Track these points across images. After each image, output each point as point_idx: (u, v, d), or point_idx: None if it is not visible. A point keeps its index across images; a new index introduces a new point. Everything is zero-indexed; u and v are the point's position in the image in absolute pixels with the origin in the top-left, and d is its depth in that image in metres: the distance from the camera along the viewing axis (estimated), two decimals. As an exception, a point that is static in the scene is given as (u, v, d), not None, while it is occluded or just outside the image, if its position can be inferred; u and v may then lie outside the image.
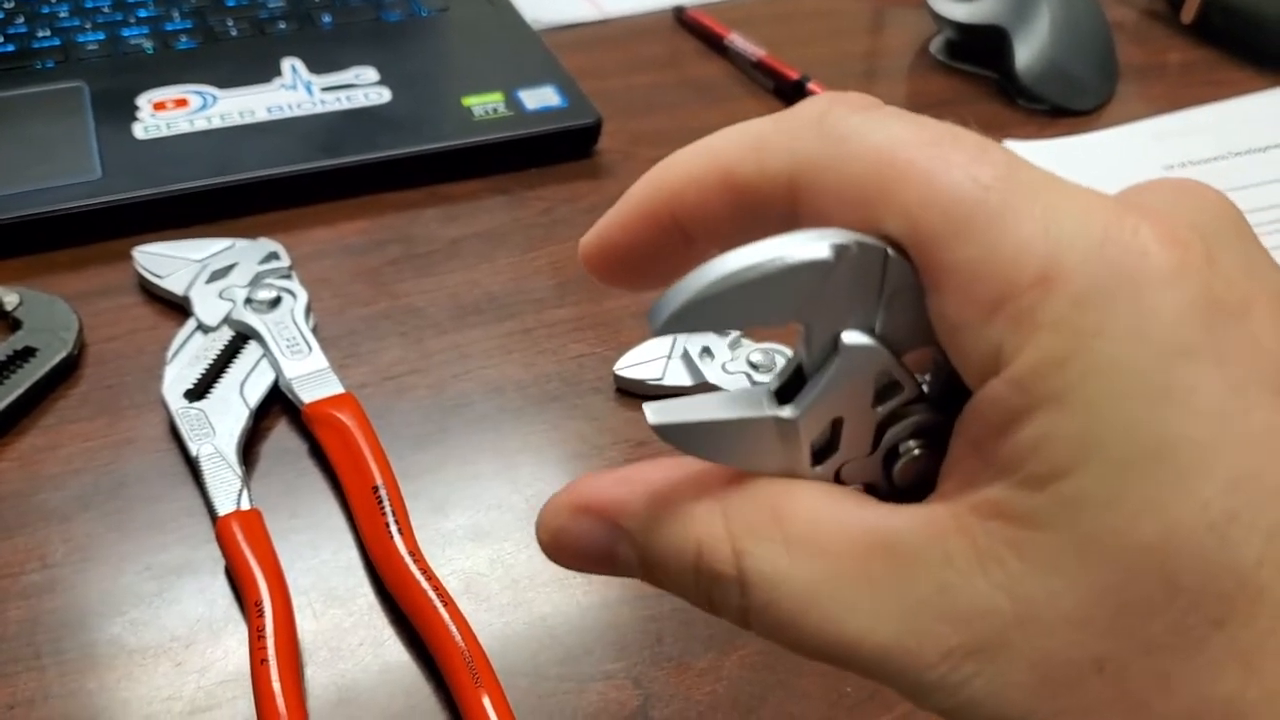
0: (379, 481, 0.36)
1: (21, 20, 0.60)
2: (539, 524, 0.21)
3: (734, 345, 0.42)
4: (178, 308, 0.44)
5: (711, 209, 0.20)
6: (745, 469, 0.20)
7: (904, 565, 0.18)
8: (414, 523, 0.35)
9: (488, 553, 0.36)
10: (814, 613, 0.18)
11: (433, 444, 0.40)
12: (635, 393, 0.42)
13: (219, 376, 0.40)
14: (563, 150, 0.54)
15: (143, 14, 0.61)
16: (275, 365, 0.41)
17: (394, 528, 0.35)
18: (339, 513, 0.37)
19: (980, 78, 0.62)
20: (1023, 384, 0.17)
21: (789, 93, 0.60)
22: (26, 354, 0.41)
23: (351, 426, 0.38)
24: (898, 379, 0.19)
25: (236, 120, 0.53)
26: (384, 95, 0.55)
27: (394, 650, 0.33)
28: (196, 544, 0.36)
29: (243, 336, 0.42)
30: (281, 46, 0.59)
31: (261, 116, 0.53)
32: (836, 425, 0.19)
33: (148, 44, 0.59)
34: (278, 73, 0.57)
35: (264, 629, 0.32)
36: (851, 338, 0.19)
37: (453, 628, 0.32)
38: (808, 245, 0.18)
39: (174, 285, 0.44)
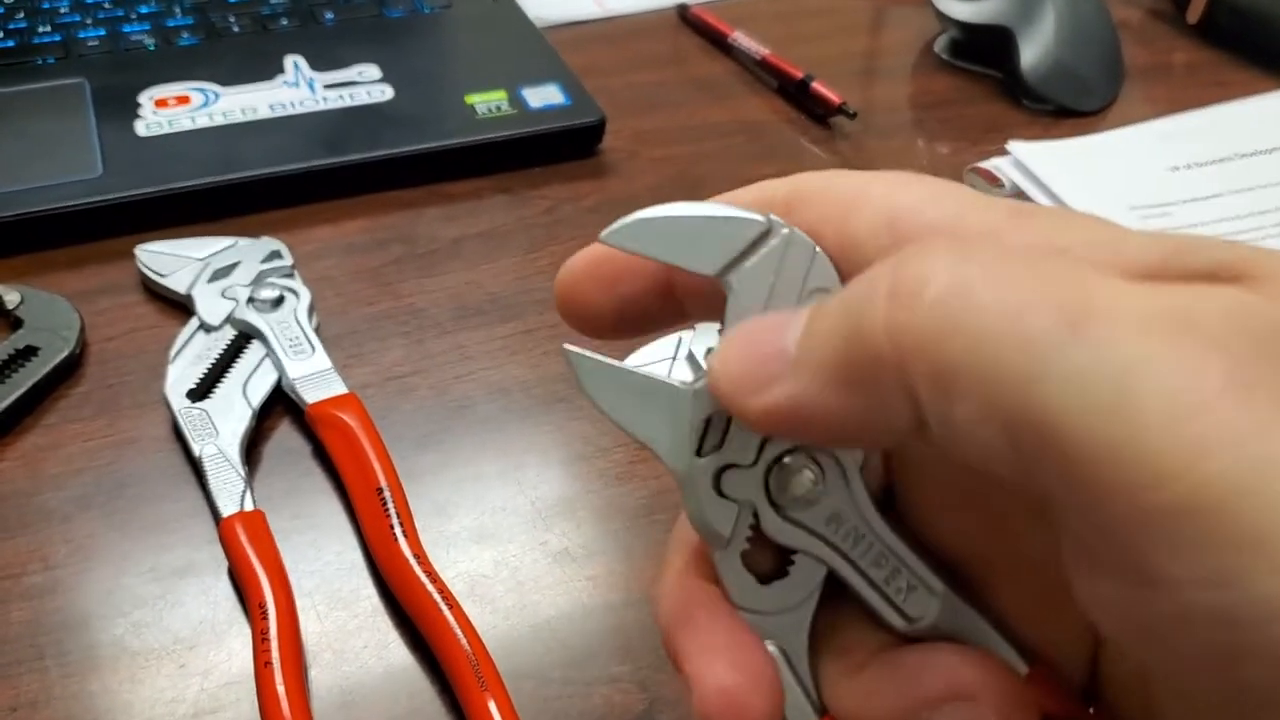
0: (383, 483, 0.36)
1: (22, 16, 0.60)
2: None
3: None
4: (180, 307, 0.44)
5: None
6: (640, 435, 0.20)
7: None
8: (418, 524, 0.35)
9: (492, 555, 0.36)
10: None
11: (436, 445, 0.40)
12: (640, 394, 0.42)
13: (222, 376, 0.40)
14: (566, 149, 0.54)
15: (144, 10, 0.61)
16: (278, 365, 0.40)
17: (398, 530, 0.34)
18: (342, 514, 0.37)
19: (984, 77, 0.62)
20: None
21: (793, 92, 0.59)
22: (28, 353, 0.41)
23: (355, 427, 0.38)
24: None
25: (238, 118, 0.53)
26: (387, 93, 0.55)
27: (398, 653, 0.33)
28: (199, 545, 0.36)
29: (245, 336, 0.42)
30: (284, 43, 0.59)
31: (264, 114, 0.53)
32: (729, 422, 0.20)
33: (149, 40, 0.58)
34: (280, 70, 0.56)
35: (268, 631, 0.32)
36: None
37: (457, 630, 0.32)
38: (748, 211, 0.19)
39: (176, 284, 0.44)
